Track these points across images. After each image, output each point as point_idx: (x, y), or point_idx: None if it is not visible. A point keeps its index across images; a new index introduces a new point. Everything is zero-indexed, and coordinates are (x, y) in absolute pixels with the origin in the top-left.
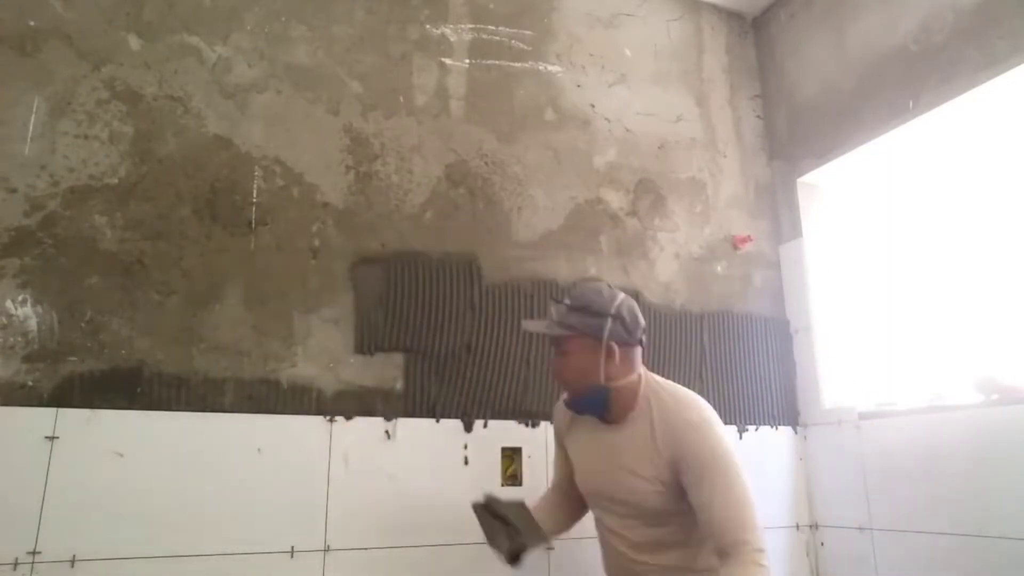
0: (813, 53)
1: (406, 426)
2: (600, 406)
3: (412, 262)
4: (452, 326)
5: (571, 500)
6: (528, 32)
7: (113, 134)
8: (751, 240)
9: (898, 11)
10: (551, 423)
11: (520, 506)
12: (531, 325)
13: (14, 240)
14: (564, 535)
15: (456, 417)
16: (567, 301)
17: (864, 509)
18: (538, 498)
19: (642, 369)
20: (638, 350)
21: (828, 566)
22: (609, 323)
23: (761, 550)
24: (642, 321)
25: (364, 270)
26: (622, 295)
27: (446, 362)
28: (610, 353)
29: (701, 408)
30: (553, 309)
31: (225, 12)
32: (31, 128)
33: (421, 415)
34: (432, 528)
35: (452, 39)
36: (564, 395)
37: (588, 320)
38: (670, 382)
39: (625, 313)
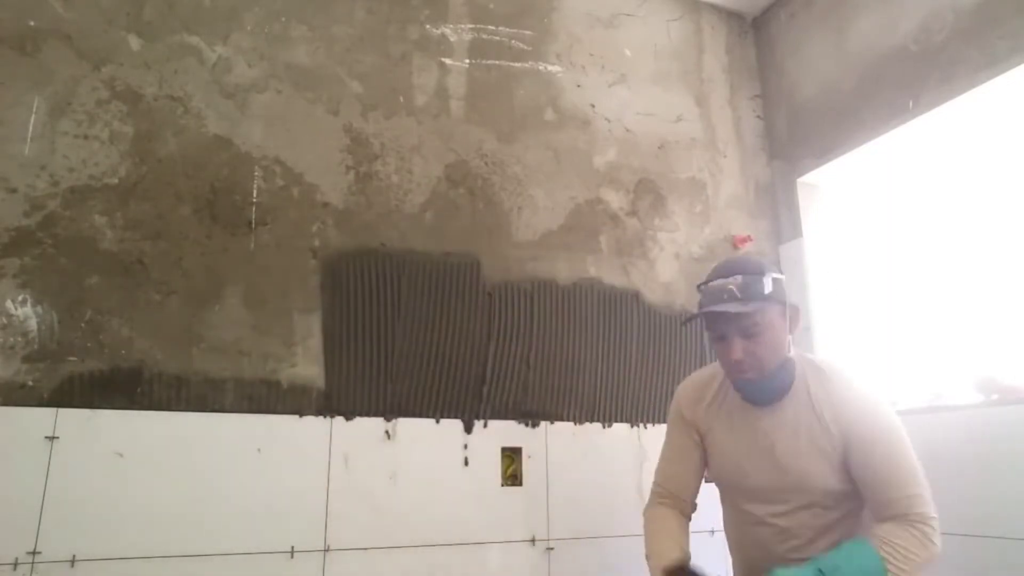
0: (813, 53)
1: (406, 426)
2: (787, 384)
3: (412, 262)
4: (452, 326)
5: (687, 513)
6: (528, 32)
7: (113, 134)
8: (751, 240)
9: (898, 11)
10: (552, 423)
11: None
12: (722, 307)
13: (14, 240)
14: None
15: (456, 417)
16: (745, 273)
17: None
18: (659, 526)
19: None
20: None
21: None
22: (783, 284)
23: (935, 518)
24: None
25: (359, 269)
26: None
27: (445, 362)
28: (794, 317)
29: (857, 382)
30: (731, 286)
31: (225, 12)
32: (31, 128)
33: (421, 415)
34: (432, 528)
35: (452, 39)
36: (739, 381)
37: (769, 285)
38: (836, 363)
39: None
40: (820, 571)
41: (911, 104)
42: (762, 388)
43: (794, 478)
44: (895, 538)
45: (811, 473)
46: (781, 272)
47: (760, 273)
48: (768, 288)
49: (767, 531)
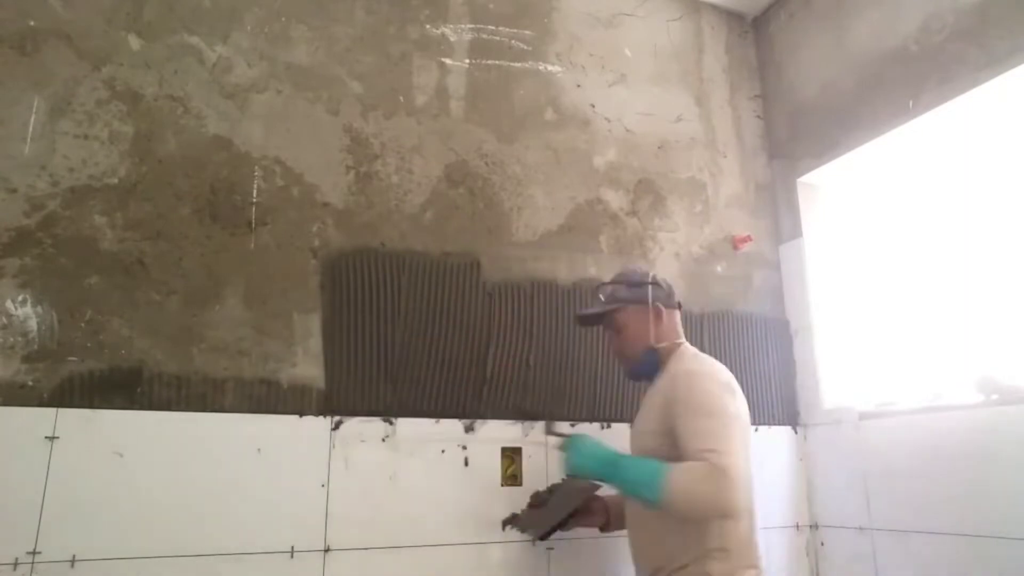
0: (813, 53)
1: (406, 426)
2: (654, 367)
3: (412, 262)
4: (452, 326)
5: None
6: (528, 32)
7: (113, 134)
8: (751, 240)
9: (898, 11)
10: (549, 423)
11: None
12: (585, 311)
13: (14, 240)
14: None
15: (456, 417)
16: (610, 283)
17: (864, 509)
18: None
19: (684, 339)
20: (677, 314)
21: (828, 566)
22: (651, 289)
23: (723, 469)
24: (675, 289)
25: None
26: (652, 270)
27: (445, 362)
28: (658, 314)
29: (708, 364)
30: (600, 294)
31: (225, 12)
32: (31, 128)
33: (421, 415)
34: (432, 528)
35: (452, 39)
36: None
37: (634, 290)
38: (707, 356)
39: (661, 280)
40: (619, 457)
41: (911, 104)
42: (635, 371)
43: (635, 444)
44: (683, 464)
45: (644, 441)
46: (655, 276)
47: (621, 282)
48: (625, 293)
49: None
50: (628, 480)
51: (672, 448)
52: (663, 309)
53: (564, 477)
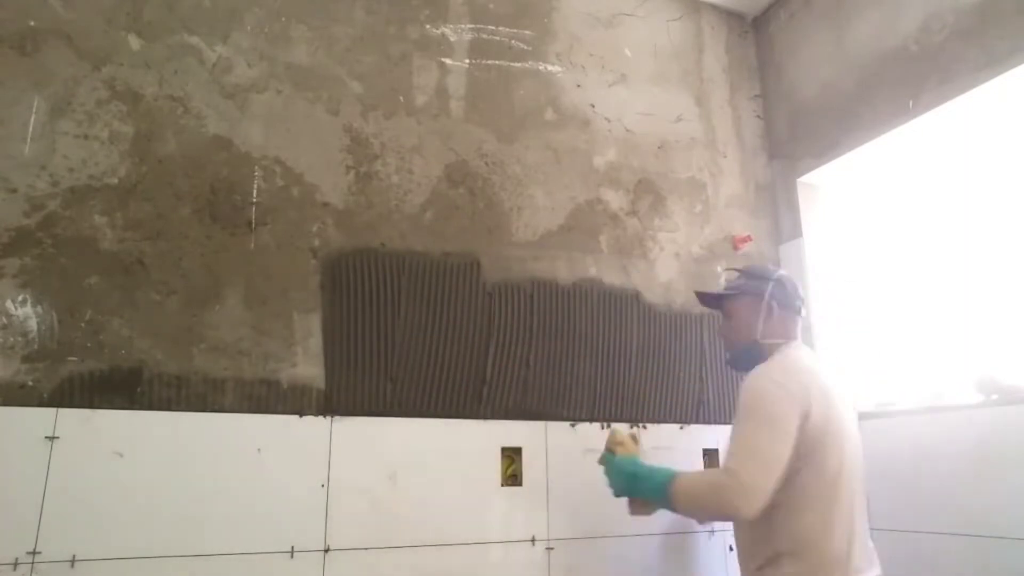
0: (813, 53)
1: (406, 426)
2: (752, 361)
3: (412, 262)
4: (452, 326)
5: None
6: (528, 32)
7: (113, 134)
8: (751, 240)
9: (898, 11)
10: (550, 422)
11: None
12: (704, 292)
13: (14, 240)
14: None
15: (456, 417)
16: (733, 270)
17: None
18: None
19: (797, 342)
20: (797, 319)
21: None
22: (771, 285)
23: (742, 480)
24: (801, 294)
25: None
26: (786, 272)
27: (445, 362)
28: (769, 311)
29: (779, 365)
30: (724, 278)
31: (225, 12)
32: (31, 128)
33: (421, 415)
34: (432, 528)
35: (452, 39)
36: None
37: (754, 282)
38: (804, 357)
39: (786, 281)
40: (634, 473)
41: (911, 104)
42: (734, 359)
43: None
44: (703, 471)
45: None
46: (782, 276)
47: (745, 273)
48: (751, 284)
49: None
50: (645, 493)
51: None
52: (775, 307)
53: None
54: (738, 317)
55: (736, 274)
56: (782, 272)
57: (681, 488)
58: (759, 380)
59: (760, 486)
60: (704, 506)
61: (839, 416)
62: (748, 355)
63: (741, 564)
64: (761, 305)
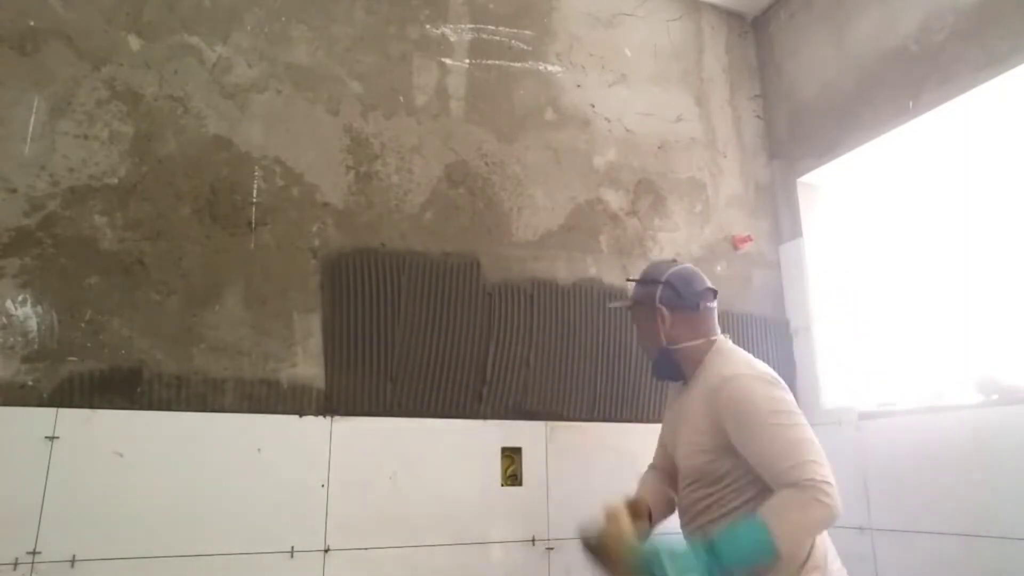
0: (813, 53)
1: (406, 426)
2: (669, 368)
3: (412, 262)
4: (452, 326)
5: (665, 474)
6: (528, 32)
7: (113, 134)
8: (751, 240)
9: (898, 11)
10: (550, 422)
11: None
12: (612, 305)
13: (14, 240)
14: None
15: (456, 417)
16: (633, 279)
17: (864, 509)
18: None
19: (720, 337)
20: (699, 314)
21: None
22: (659, 289)
23: (826, 481)
24: (699, 286)
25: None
26: (680, 264)
27: (445, 362)
28: (661, 316)
29: (742, 363)
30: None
31: (225, 12)
32: (31, 128)
33: (421, 415)
34: (432, 528)
35: (452, 39)
36: None
37: (643, 289)
38: (743, 351)
39: (675, 279)
40: (712, 544)
41: (911, 104)
42: (653, 369)
43: (682, 455)
44: (775, 501)
45: (692, 459)
46: (669, 276)
47: (639, 281)
48: (641, 291)
49: (679, 507)
50: (738, 561)
51: (725, 465)
52: (666, 312)
53: None
54: (641, 328)
55: (633, 284)
56: (670, 272)
57: (781, 524)
58: (741, 380)
59: (832, 479)
60: (810, 529)
61: None
62: (664, 365)
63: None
64: (655, 312)
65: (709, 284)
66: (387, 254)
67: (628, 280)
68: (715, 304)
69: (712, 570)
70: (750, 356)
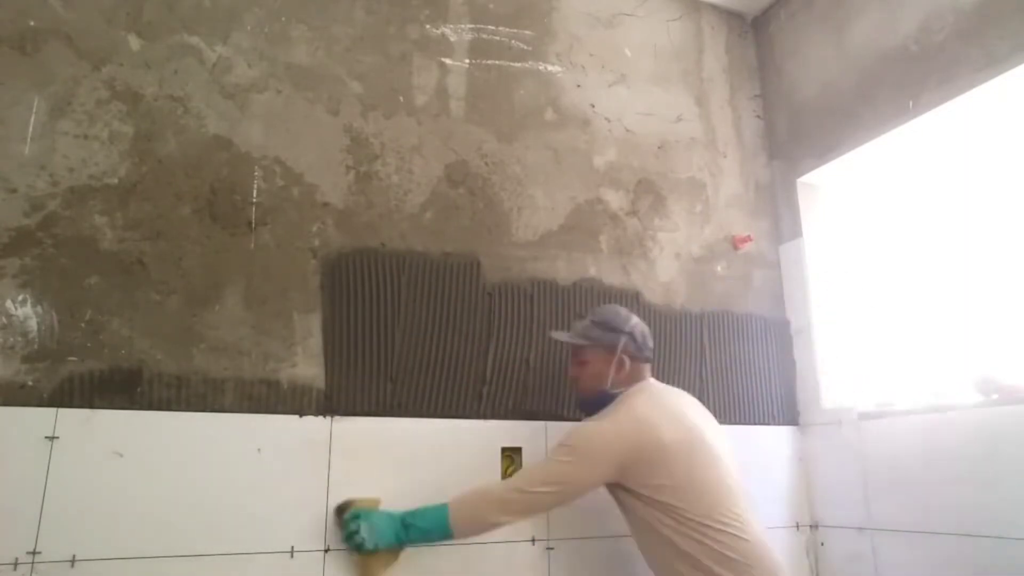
0: (813, 53)
1: (406, 426)
2: (601, 405)
3: (412, 262)
4: (452, 326)
5: None
6: (528, 32)
7: (113, 134)
8: (751, 240)
9: (898, 11)
10: (550, 422)
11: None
12: (558, 335)
13: (14, 240)
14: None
15: (456, 417)
16: (590, 318)
17: (864, 509)
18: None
19: (650, 382)
20: (646, 366)
21: (828, 566)
22: (623, 339)
23: (514, 489)
24: (651, 343)
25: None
26: (636, 318)
27: (445, 362)
28: (620, 364)
29: (613, 410)
30: (578, 323)
31: (225, 12)
32: (31, 128)
33: (421, 415)
34: None
35: (452, 39)
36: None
37: (606, 334)
38: (653, 396)
39: (637, 332)
40: (403, 519)
41: (911, 104)
42: (584, 404)
43: None
44: (470, 493)
45: None
46: (633, 328)
47: (597, 323)
48: (597, 334)
49: None
50: (421, 533)
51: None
52: (627, 361)
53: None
54: (590, 367)
55: (586, 323)
56: (634, 323)
57: (459, 512)
58: (586, 423)
59: (524, 509)
60: (477, 508)
61: (700, 430)
62: (596, 403)
63: None
64: (613, 359)
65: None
66: (387, 254)
67: (580, 317)
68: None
69: (397, 536)
70: (641, 400)
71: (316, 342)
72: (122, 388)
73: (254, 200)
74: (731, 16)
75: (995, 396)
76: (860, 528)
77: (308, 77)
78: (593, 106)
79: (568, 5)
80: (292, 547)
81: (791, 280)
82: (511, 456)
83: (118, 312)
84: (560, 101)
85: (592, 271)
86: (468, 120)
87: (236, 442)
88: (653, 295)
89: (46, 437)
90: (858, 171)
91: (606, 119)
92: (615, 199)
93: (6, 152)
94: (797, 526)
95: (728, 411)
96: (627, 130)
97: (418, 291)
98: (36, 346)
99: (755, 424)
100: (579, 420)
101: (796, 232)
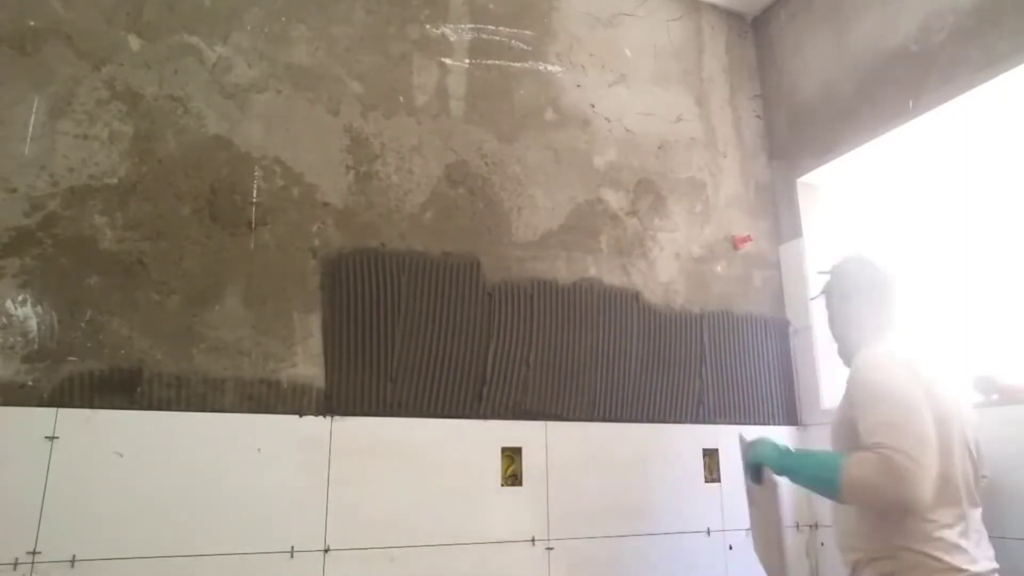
0: (813, 53)
1: (406, 426)
2: (845, 356)
3: (412, 262)
4: (452, 326)
5: None
6: (528, 32)
7: (113, 134)
8: (751, 240)
9: (898, 11)
10: (550, 422)
11: None
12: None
13: (14, 240)
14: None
15: (456, 417)
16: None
17: None
18: None
19: (886, 331)
20: (873, 306)
21: (828, 566)
22: (827, 279)
23: (894, 448)
24: (874, 278)
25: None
26: (845, 256)
27: (445, 362)
28: (832, 306)
29: (881, 352)
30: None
31: (225, 12)
32: (31, 128)
33: (421, 415)
34: (432, 528)
35: (452, 39)
36: None
37: (825, 279)
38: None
39: (841, 269)
40: (789, 449)
41: (911, 104)
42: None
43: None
44: (858, 453)
45: (831, 432)
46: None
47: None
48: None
49: None
50: (805, 468)
51: (847, 440)
52: (836, 302)
53: (747, 482)
54: (827, 316)
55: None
56: (845, 257)
57: (851, 470)
58: (870, 368)
59: (925, 476)
60: (874, 493)
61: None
62: (840, 351)
63: (847, 555)
64: (831, 301)
65: None
66: (387, 254)
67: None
68: None
69: (781, 459)
70: (897, 347)
71: (316, 342)
72: (122, 388)
73: (254, 200)
74: (731, 16)
75: (995, 396)
76: None
77: (308, 77)
78: (593, 106)
79: (568, 5)
80: (292, 547)
81: (791, 280)
82: (511, 456)
83: (118, 312)
84: (560, 101)
85: (592, 271)
86: (468, 120)
87: (236, 442)
88: (653, 295)
89: (46, 437)
90: (858, 171)
91: (606, 119)
92: (615, 199)
93: (6, 152)
94: (797, 526)
95: (728, 411)
96: (627, 130)
97: (418, 291)
98: (36, 346)
99: (755, 424)
100: (579, 421)
101: (796, 232)
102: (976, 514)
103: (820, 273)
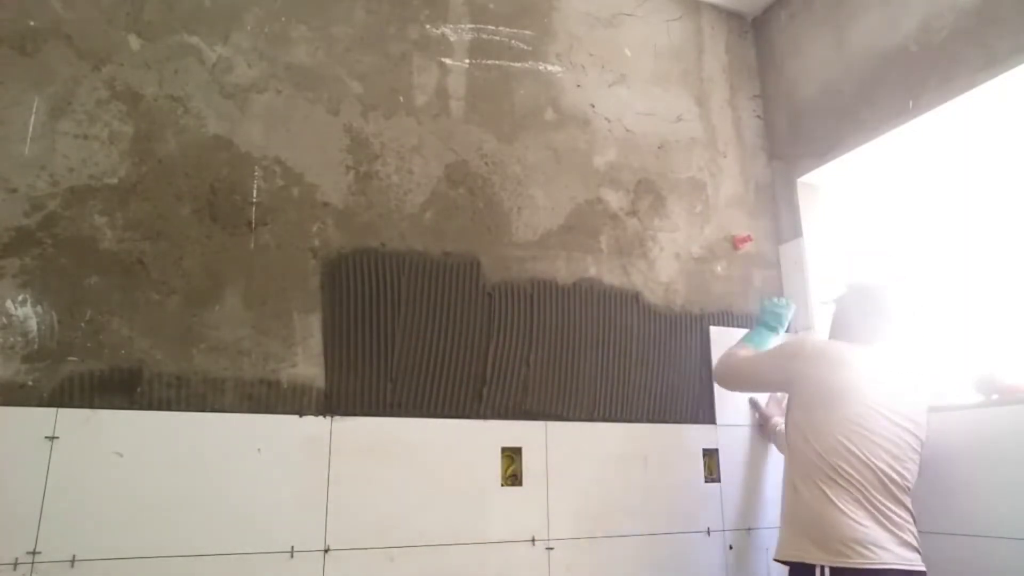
0: (813, 53)
1: (406, 426)
2: None
3: (412, 262)
4: (452, 326)
5: None
6: (528, 32)
7: (113, 134)
8: (751, 240)
9: (898, 11)
10: (550, 422)
11: None
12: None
13: (14, 240)
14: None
15: (456, 417)
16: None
17: None
18: None
19: (847, 339)
20: (850, 321)
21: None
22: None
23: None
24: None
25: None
26: (849, 287)
27: (445, 362)
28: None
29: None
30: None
31: (225, 12)
32: (31, 128)
33: (421, 415)
34: (432, 528)
35: (452, 39)
36: None
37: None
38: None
39: (848, 291)
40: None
41: (911, 104)
42: None
43: None
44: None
45: None
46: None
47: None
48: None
49: None
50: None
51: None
52: (837, 313)
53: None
54: None
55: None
56: (852, 282)
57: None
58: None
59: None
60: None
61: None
62: None
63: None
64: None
65: None
66: (387, 254)
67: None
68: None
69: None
70: (828, 341)
71: (316, 342)
72: (122, 388)
73: (254, 200)
74: (731, 16)
75: (995, 396)
76: None
77: (308, 77)
78: (593, 106)
79: (568, 5)
80: (292, 547)
81: (791, 280)
82: (511, 456)
83: (118, 312)
84: (560, 101)
85: (592, 271)
86: (468, 120)
87: (236, 442)
88: (653, 295)
89: (46, 437)
90: (858, 171)
91: (606, 119)
92: (615, 199)
93: (6, 152)
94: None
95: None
96: (627, 130)
97: (418, 291)
98: (36, 346)
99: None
100: (579, 421)
101: (796, 232)
102: (894, 506)
103: (823, 303)
